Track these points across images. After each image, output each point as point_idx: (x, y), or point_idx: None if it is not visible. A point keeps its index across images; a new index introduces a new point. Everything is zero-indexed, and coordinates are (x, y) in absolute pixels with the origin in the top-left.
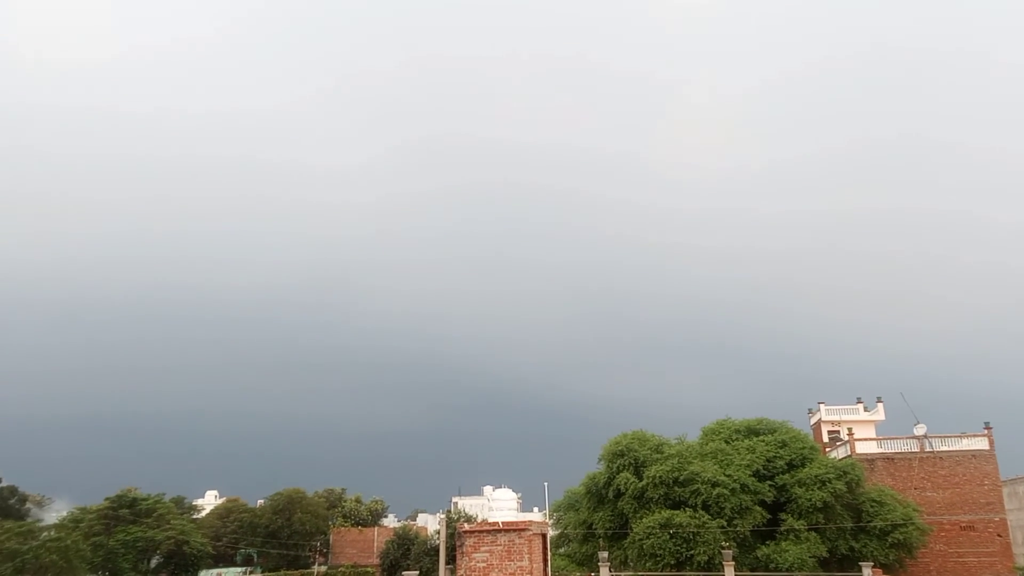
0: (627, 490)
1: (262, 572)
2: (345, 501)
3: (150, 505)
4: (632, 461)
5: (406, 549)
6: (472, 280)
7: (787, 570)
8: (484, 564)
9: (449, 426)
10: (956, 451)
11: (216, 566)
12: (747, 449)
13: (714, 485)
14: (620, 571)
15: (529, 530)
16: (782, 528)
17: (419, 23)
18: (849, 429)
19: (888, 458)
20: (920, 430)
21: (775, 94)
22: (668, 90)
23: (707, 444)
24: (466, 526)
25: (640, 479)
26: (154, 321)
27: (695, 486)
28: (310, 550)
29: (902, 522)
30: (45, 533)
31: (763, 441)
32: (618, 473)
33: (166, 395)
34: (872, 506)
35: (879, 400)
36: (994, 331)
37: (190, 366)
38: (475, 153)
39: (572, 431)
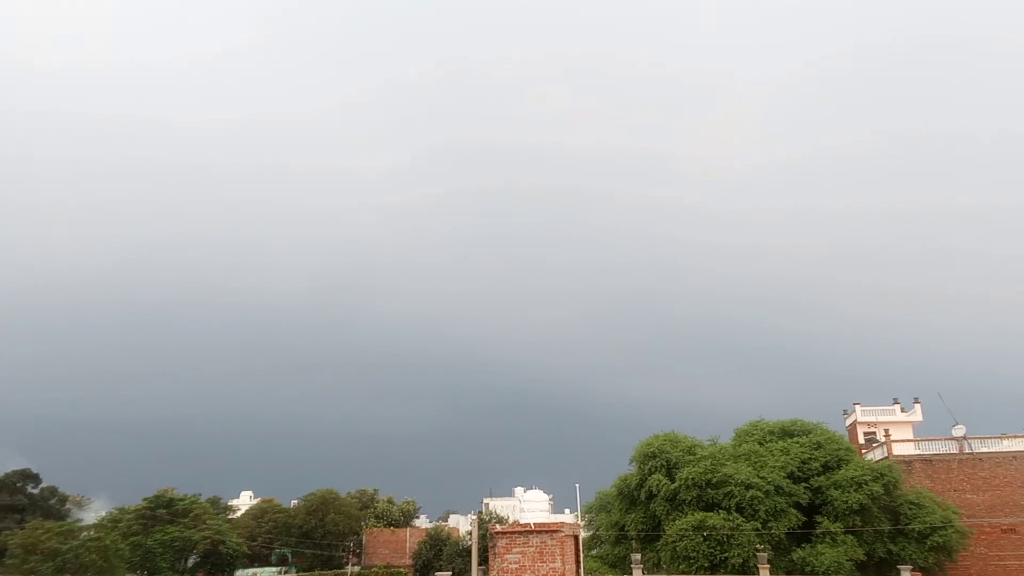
0: (659, 492)
1: (297, 572)
2: (377, 502)
3: (186, 505)
4: (664, 463)
5: (438, 550)
6: (505, 282)
7: (823, 573)
8: (516, 565)
9: (480, 428)
10: (996, 452)
11: (251, 566)
12: (781, 451)
13: (748, 487)
14: (653, 573)
15: (561, 531)
16: (818, 531)
17: (443, 29)
18: (886, 430)
19: (926, 460)
20: (959, 431)
21: (797, 89)
22: (693, 87)
23: (740, 446)
24: (498, 527)
25: (672, 481)
26: (191, 327)
27: (728, 488)
28: (343, 550)
29: (941, 525)
30: (85, 533)
31: (797, 443)
32: (650, 475)
33: (201, 399)
34: (910, 508)
35: (916, 401)
36: None
37: (225, 371)
38: (498, 156)
39: (602, 432)
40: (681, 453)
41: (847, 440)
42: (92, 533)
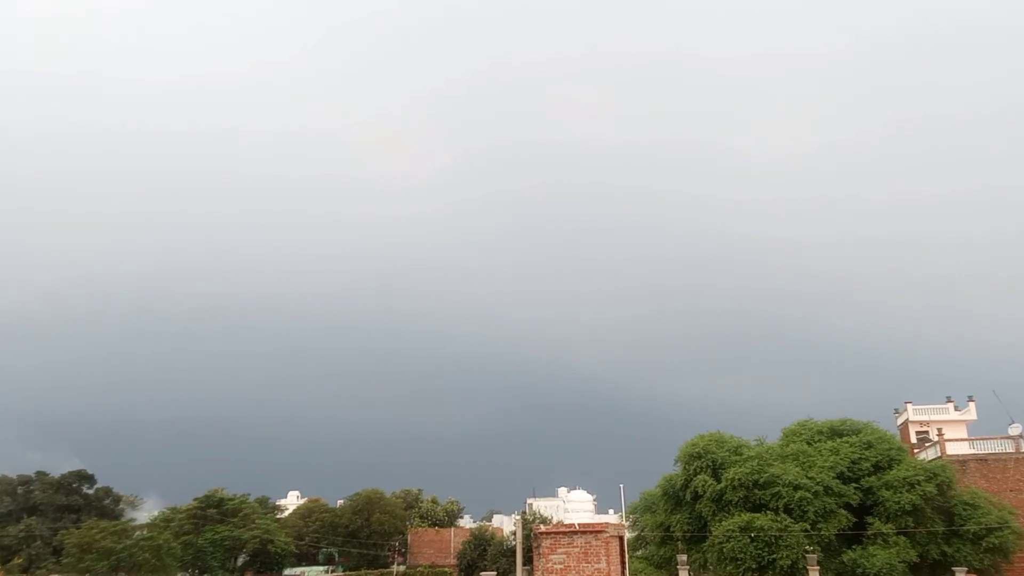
0: (705, 492)
1: (343, 571)
2: (422, 502)
3: (236, 505)
4: (710, 463)
5: (483, 550)
6: (545, 281)
7: (875, 575)
8: (561, 566)
9: (523, 428)
10: None
11: (299, 565)
12: (830, 451)
13: (796, 488)
14: (699, 575)
15: (606, 532)
16: (869, 532)
17: (484, 31)
18: (939, 429)
19: (981, 459)
20: (1015, 430)
21: (836, 73)
22: (730, 76)
23: (788, 446)
24: (542, 527)
25: (718, 481)
26: (247, 334)
27: (776, 489)
28: (389, 550)
29: (997, 526)
30: (138, 532)
31: (847, 442)
32: (695, 475)
33: (250, 401)
34: (965, 509)
35: (970, 399)
36: None
37: (271, 375)
38: (540, 156)
39: (646, 432)
40: (727, 453)
41: (899, 439)
42: (145, 532)
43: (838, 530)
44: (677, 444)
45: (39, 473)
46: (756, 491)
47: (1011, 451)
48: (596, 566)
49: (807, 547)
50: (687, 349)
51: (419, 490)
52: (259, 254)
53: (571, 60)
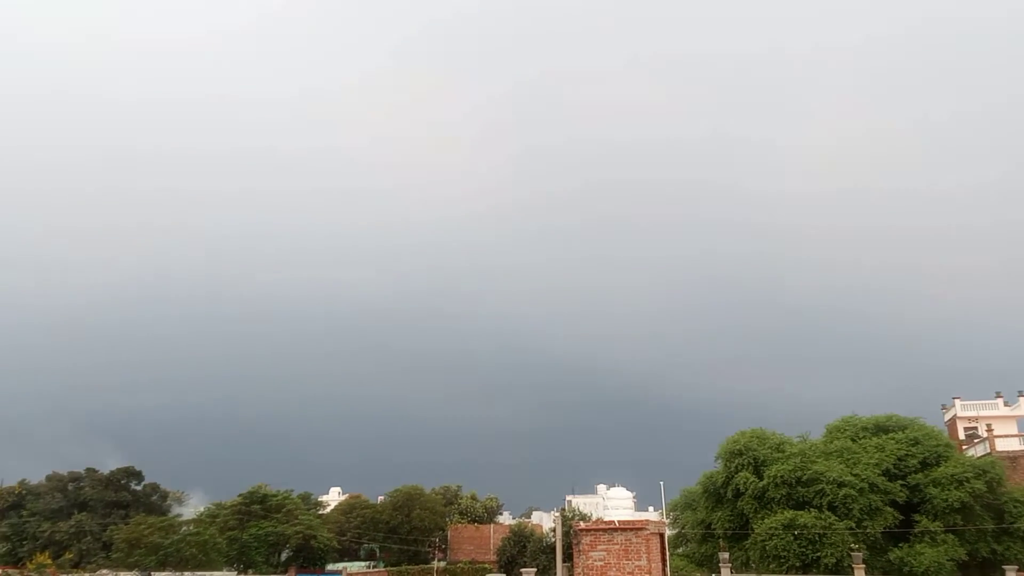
0: (747, 490)
1: (384, 567)
2: (461, 498)
3: (279, 501)
4: (751, 460)
5: (522, 546)
6: (587, 277)
7: (923, 574)
8: (601, 563)
9: (562, 425)
10: None
11: (341, 560)
12: (876, 447)
13: (840, 485)
14: (742, 573)
15: (646, 529)
16: (916, 530)
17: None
18: (988, 425)
19: None
20: None
21: (889, 58)
22: (779, 66)
23: (831, 442)
24: (582, 524)
25: (760, 478)
26: (297, 334)
27: (819, 486)
28: (429, 545)
29: None
30: (185, 527)
31: (893, 439)
32: (737, 472)
33: (294, 399)
34: (1016, 506)
35: (1021, 394)
36: None
37: (315, 373)
38: (590, 154)
39: (686, 429)
40: (769, 450)
41: (946, 436)
42: (191, 528)
43: (884, 528)
44: (718, 441)
45: (89, 470)
46: (799, 488)
47: None
48: (636, 563)
49: (852, 545)
50: (728, 345)
51: (458, 486)
52: (309, 260)
53: (616, 59)
